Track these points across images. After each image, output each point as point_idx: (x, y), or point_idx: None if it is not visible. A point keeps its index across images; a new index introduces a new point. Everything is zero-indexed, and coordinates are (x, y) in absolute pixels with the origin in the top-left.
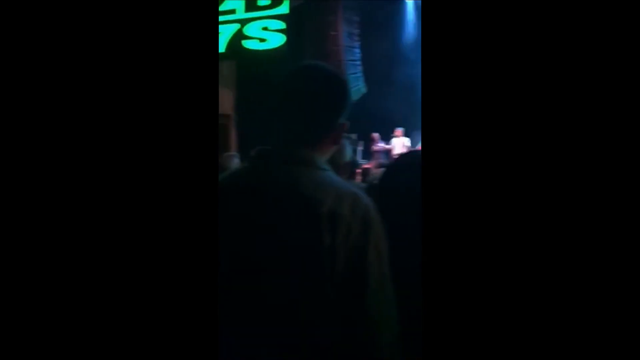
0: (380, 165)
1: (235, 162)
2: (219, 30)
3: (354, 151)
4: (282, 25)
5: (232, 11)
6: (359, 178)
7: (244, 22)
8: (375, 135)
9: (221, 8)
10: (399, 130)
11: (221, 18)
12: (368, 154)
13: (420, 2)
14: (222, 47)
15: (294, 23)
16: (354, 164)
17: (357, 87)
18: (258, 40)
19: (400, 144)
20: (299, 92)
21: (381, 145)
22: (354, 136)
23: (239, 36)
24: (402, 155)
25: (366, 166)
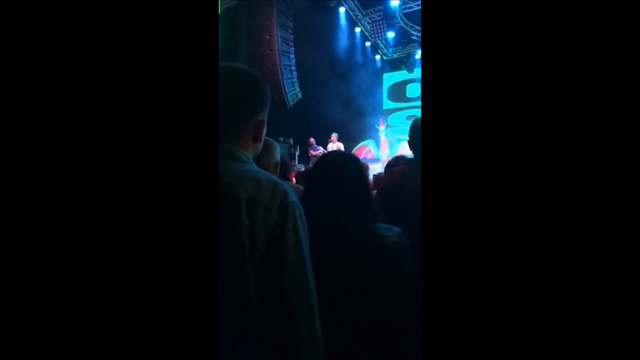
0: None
1: None
2: None
3: (290, 155)
4: None
5: None
6: (293, 181)
7: None
8: (312, 140)
9: None
10: (334, 136)
11: None
12: (304, 158)
13: (351, 10)
14: None
15: (225, 23)
16: (286, 166)
17: (293, 92)
18: None
19: (335, 149)
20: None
21: (318, 150)
22: (290, 141)
23: None
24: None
25: (302, 170)
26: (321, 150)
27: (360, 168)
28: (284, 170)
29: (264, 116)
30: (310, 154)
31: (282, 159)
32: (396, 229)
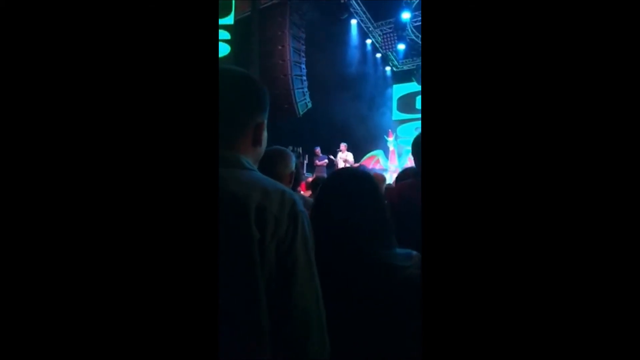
0: (322, 179)
1: None
2: None
3: (300, 164)
4: (227, 35)
5: None
6: (307, 192)
7: None
8: (317, 150)
9: None
10: (343, 145)
11: None
12: (311, 168)
13: (362, 22)
14: None
15: (239, 34)
16: (298, 176)
17: (303, 101)
18: None
19: (343, 159)
20: None
21: (324, 160)
22: (299, 150)
23: None
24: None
25: (309, 179)
26: (326, 160)
27: (373, 185)
28: (296, 180)
29: (263, 119)
30: (315, 164)
31: (295, 171)
32: (415, 253)
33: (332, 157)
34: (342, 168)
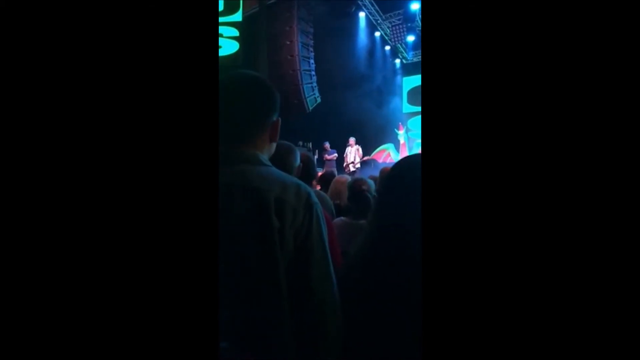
0: (331, 173)
1: None
2: None
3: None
4: (235, 32)
5: None
6: (317, 186)
7: None
8: (327, 145)
9: None
10: (351, 140)
11: None
12: (320, 163)
13: (371, 15)
14: None
15: (247, 31)
16: (311, 173)
17: (312, 96)
18: None
19: (353, 153)
20: (228, 97)
21: (333, 154)
22: (309, 145)
23: None
24: (401, 160)
25: (320, 174)
26: (336, 154)
27: None
28: (308, 177)
29: (278, 117)
30: (325, 158)
31: (308, 165)
32: None
33: (334, 153)
34: (405, 157)
